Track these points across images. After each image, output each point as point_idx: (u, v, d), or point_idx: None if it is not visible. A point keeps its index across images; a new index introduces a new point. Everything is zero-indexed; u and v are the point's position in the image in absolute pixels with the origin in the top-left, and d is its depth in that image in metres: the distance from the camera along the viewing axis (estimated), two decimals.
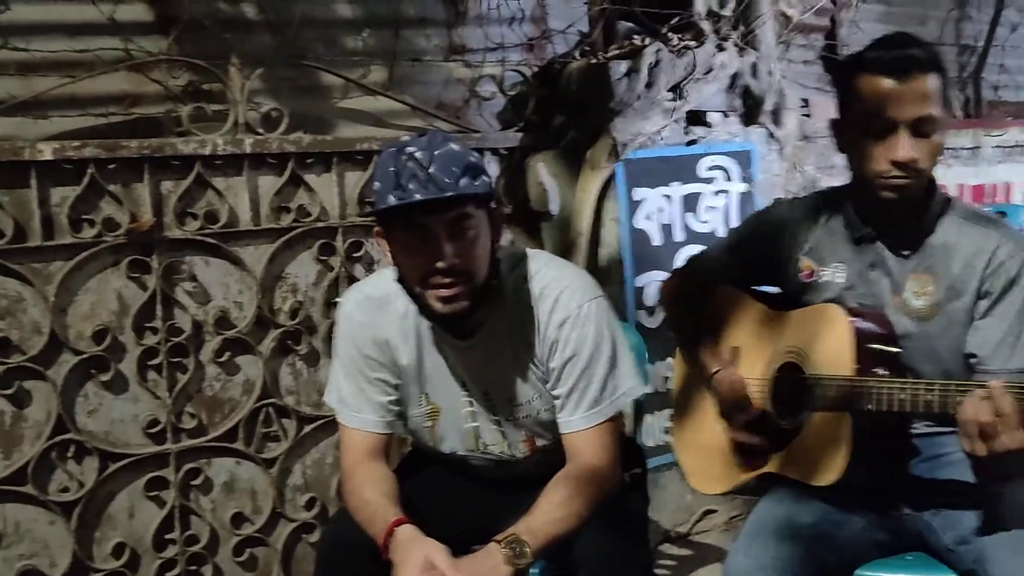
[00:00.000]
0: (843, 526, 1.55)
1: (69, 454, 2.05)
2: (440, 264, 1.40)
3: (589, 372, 1.51)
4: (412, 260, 1.44)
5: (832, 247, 1.63)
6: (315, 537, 2.33)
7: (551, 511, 1.43)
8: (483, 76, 2.56)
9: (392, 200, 1.39)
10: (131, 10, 2.11)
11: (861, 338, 1.50)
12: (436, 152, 1.40)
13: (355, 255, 2.35)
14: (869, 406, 1.44)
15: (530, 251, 1.61)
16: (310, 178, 2.28)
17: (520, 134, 2.55)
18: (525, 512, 1.44)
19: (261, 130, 2.21)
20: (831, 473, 1.50)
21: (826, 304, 1.58)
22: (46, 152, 1.96)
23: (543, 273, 1.55)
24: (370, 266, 2.38)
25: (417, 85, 2.49)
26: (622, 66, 2.56)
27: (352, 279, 2.33)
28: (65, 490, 2.05)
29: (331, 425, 2.33)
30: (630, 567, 1.49)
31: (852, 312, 1.54)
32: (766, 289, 1.79)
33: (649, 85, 2.59)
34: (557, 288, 1.53)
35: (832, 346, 1.53)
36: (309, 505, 2.33)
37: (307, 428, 2.32)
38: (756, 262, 1.73)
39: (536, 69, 2.63)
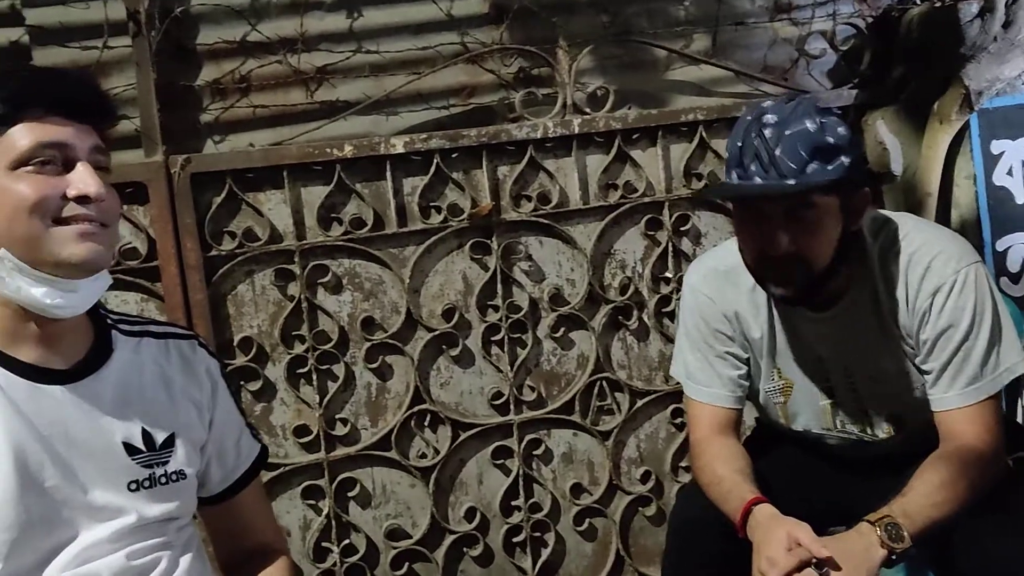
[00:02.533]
0: None
1: (426, 423, 2.22)
2: (771, 252, 1.34)
3: (968, 345, 1.36)
4: (747, 239, 1.40)
5: None
6: (651, 511, 2.35)
7: (929, 494, 1.31)
8: (812, 33, 2.41)
9: (733, 176, 1.36)
10: (466, 4, 2.22)
11: None
12: (787, 132, 1.31)
13: (682, 229, 2.32)
14: None
15: (894, 214, 1.48)
16: (636, 153, 2.29)
17: (855, 91, 2.38)
18: (885, 496, 1.34)
19: (588, 109, 2.24)
20: None
21: None
22: (398, 146, 2.13)
23: (911, 237, 1.42)
24: (697, 239, 2.34)
25: (741, 49, 2.39)
26: (973, 6, 2.29)
27: (679, 253, 2.31)
28: (423, 456, 2.23)
29: (663, 400, 2.34)
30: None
31: None
32: None
33: (1007, 24, 2.29)
34: (928, 254, 1.39)
35: None
36: (644, 478, 2.35)
37: (639, 402, 2.33)
38: None
39: (871, 20, 2.43)
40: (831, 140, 1.33)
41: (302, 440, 2.14)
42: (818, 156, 1.31)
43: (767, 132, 1.32)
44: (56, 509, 1.05)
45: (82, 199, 1.01)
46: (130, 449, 1.11)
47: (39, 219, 0.99)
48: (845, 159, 1.34)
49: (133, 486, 1.10)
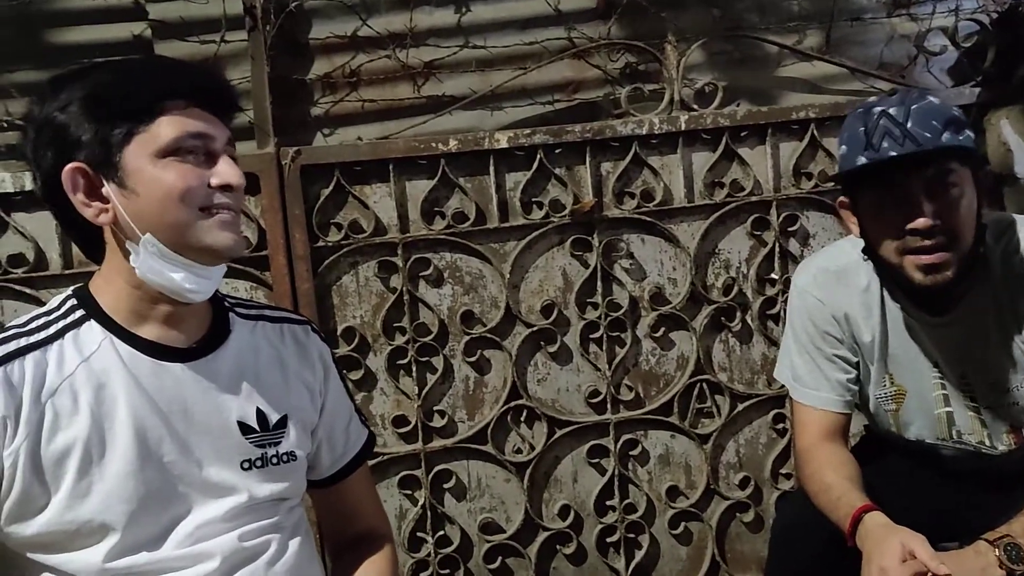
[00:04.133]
0: None
1: (522, 418, 2.22)
2: (919, 224, 1.27)
3: None
4: (886, 224, 1.32)
5: None
6: (749, 517, 2.30)
7: None
8: (932, 29, 2.32)
9: (862, 160, 1.29)
10: None
11: None
12: (913, 107, 1.28)
13: (790, 229, 2.26)
14: None
15: (1019, 217, 1.41)
16: (743, 151, 2.24)
17: (977, 89, 2.28)
18: (1002, 513, 1.28)
19: (696, 106, 2.20)
20: None
21: None
22: (502, 141, 2.13)
23: None
24: (806, 240, 2.27)
25: (856, 46, 2.32)
26: None
27: (786, 254, 2.25)
28: (518, 451, 2.23)
29: (764, 404, 2.29)
30: None
31: None
32: None
33: None
34: None
35: None
36: (743, 484, 2.30)
37: (740, 406, 2.28)
38: None
39: (996, 15, 2.32)
40: (956, 113, 1.30)
41: (400, 430, 2.17)
42: (950, 126, 1.28)
43: (892, 111, 1.28)
44: (172, 484, 1.07)
45: (225, 188, 1.05)
46: (244, 428, 1.13)
47: (187, 207, 1.03)
48: (970, 132, 1.31)
49: (246, 465, 1.13)
